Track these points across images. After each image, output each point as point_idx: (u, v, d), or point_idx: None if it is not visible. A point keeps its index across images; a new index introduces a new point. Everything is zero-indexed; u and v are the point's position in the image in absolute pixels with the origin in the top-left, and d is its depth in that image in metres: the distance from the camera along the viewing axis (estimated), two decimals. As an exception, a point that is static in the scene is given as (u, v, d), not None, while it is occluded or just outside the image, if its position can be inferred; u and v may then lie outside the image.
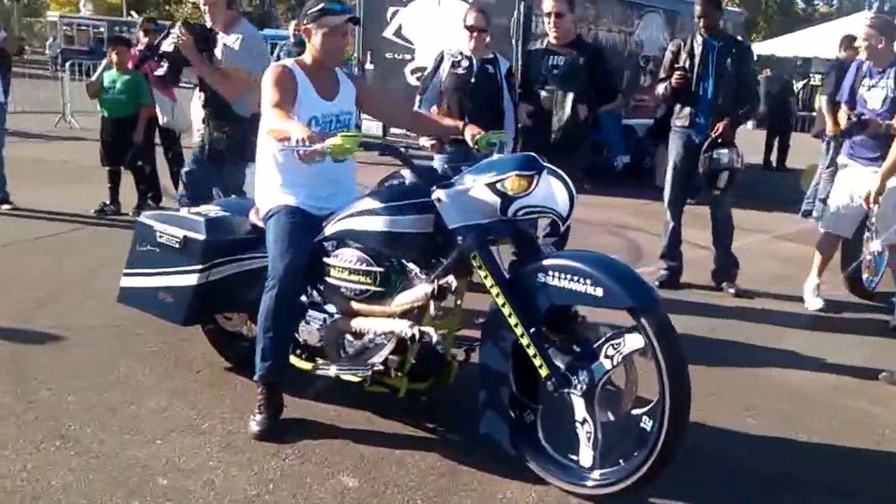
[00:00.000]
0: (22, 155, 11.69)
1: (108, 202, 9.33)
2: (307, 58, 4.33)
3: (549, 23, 6.43)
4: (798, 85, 26.64)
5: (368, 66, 13.73)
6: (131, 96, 9.22)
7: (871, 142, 6.35)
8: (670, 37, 13.67)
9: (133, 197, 9.41)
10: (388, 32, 13.47)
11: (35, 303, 6.06)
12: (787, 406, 4.90)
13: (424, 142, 6.50)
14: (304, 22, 4.27)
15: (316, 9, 4.20)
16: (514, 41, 11.74)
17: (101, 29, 42.36)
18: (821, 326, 6.52)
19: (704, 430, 4.43)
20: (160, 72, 6.43)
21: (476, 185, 3.74)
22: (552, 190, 3.70)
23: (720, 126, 6.80)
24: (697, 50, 6.98)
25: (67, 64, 18.91)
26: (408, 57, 13.25)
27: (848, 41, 11.03)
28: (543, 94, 6.41)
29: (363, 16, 13.62)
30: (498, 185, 3.68)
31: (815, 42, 24.24)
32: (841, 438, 4.51)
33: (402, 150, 4.22)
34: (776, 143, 17.84)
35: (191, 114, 6.56)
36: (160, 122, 9.40)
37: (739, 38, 8.25)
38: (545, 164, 3.74)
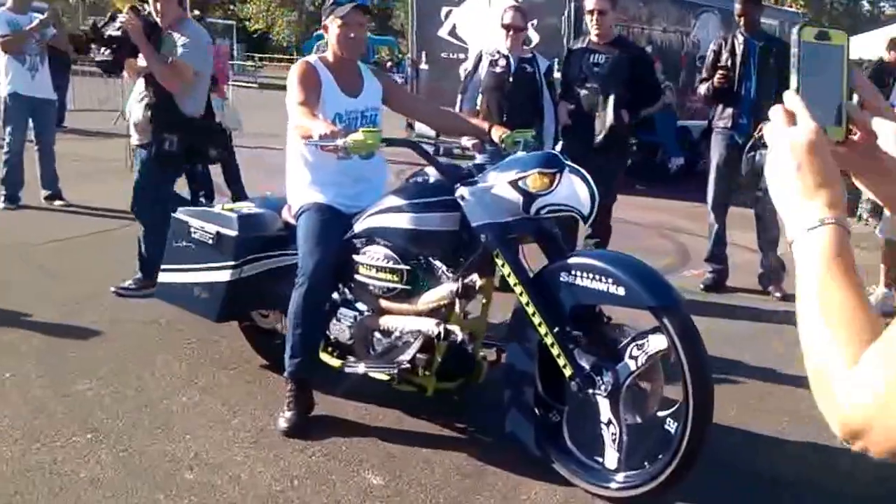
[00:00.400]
0: (78, 152, 11.90)
1: None
2: (329, 54, 4.36)
3: (591, 20, 6.39)
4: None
5: (423, 66, 13.74)
6: None
7: None
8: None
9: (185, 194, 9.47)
10: (443, 32, 13.45)
11: (81, 297, 6.16)
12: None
13: (466, 142, 6.50)
14: (323, 19, 4.35)
15: (329, 3, 4.28)
16: (564, 40, 11.67)
17: (166, 28, 42.87)
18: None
19: (743, 435, 4.38)
20: (101, 58, 6.06)
21: (499, 182, 3.73)
22: (574, 188, 3.67)
23: (763, 126, 6.68)
24: (739, 49, 6.90)
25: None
26: (462, 56, 13.17)
27: (893, 43, 10.82)
28: (584, 92, 6.37)
29: (416, 16, 13.68)
30: (520, 183, 3.67)
31: (881, 44, 23.72)
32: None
33: (426, 147, 4.21)
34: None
35: (128, 115, 6.23)
36: (211, 120, 9.39)
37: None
38: (567, 161, 3.73)
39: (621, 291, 3.40)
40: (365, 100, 4.40)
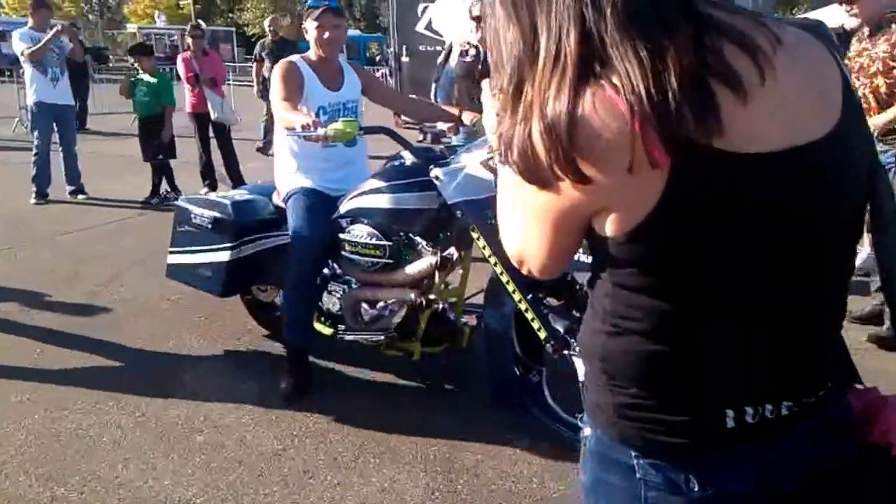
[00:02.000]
0: (99, 150, 11.79)
1: (168, 189, 9.32)
2: (311, 53, 4.27)
3: None
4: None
5: (404, 58, 13.59)
6: (154, 97, 9.05)
7: None
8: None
9: (192, 183, 9.37)
10: (420, 27, 13.30)
11: (104, 279, 6.09)
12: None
13: (442, 126, 6.42)
14: (303, 21, 4.28)
15: (306, 8, 4.22)
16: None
17: (175, 37, 42.64)
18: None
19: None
20: None
21: (470, 163, 3.63)
22: None
23: None
24: None
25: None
26: (438, 48, 13.03)
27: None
28: None
29: (397, 13, 13.53)
30: (491, 163, 3.57)
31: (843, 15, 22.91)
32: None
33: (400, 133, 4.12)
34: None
35: None
36: (211, 117, 9.32)
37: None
38: None
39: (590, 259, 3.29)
40: (346, 93, 4.30)
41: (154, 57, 9.67)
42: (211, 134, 9.56)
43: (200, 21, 19.19)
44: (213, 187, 9.36)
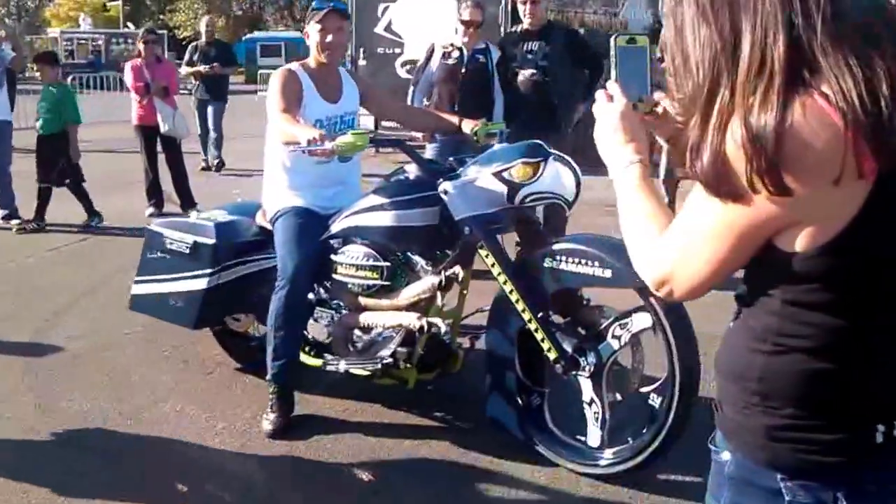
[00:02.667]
0: (25, 170, 11.58)
1: (31, 218, 8.83)
2: (311, 60, 4.25)
3: (524, 10, 6.37)
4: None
5: (361, 61, 13.59)
6: (55, 112, 8.67)
7: None
8: (653, 16, 13.55)
9: (135, 202, 9.26)
10: (379, 28, 13.33)
11: (53, 313, 5.97)
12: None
13: (416, 133, 6.44)
14: (304, 24, 4.27)
15: (309, 10, 4.20)
16: (502, 29, 11.61)
17: (100, 42, 42.11)
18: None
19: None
20: None
21: (482, 175, 3.66)
22: (559, 175, 3.61)
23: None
24: None
25: (69, 78, 18.65)
26: (398, 51, 13.13)
27: None
28: (520, 77, 6.31)
29: (355, 13, 13.54)
30: (505, 174, 3.61)
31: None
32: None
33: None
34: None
35: None
36: (161, 129, 9.19)
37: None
38: (551, 150, 3.66)
39: (607, 274, 3.34)
40: (344, 105, 4.29)
41: (60, 66, 9.31)
42: (159, 149, 9.47)
43: (130, 24, 19.04)
44: (159, 207, 9.25)
